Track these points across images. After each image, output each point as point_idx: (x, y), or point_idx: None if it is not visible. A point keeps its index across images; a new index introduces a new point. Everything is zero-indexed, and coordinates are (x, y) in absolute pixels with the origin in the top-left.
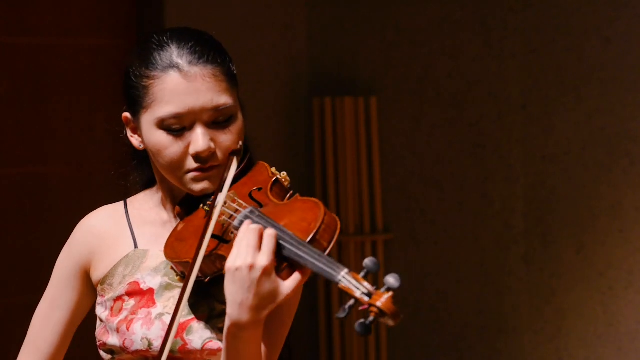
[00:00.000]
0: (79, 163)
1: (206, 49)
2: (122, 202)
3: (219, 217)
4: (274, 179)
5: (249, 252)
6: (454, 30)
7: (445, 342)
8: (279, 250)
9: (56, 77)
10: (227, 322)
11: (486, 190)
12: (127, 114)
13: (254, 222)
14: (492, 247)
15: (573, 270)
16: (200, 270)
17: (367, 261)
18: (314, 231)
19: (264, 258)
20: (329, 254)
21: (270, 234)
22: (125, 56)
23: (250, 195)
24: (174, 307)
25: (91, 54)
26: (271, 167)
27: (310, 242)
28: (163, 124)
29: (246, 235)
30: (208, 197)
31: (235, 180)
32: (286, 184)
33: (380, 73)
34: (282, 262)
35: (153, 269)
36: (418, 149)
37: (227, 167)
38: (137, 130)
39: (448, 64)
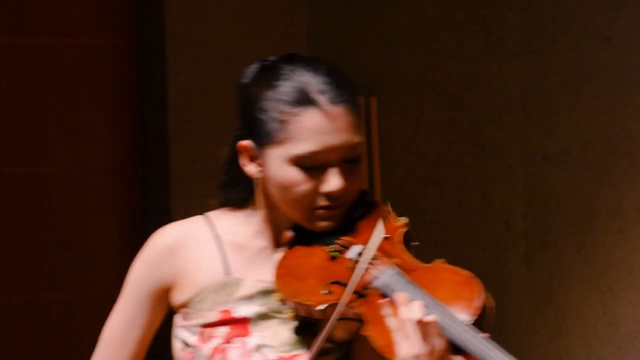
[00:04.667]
0: (79, 163)
1: (344, 86)
2: (201, 220)
3: (352, 266)
4: (405, 230)
5: (422, 339)
6: (454, 30)
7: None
8: (444, 332)
9: (56, 77)
10: None
11: (486, 190)
12: (247, 143)
13: (401, 288)
14: (492, 247)
15: (573, 270)
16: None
17: None
18: (478, 313)
19: (441, 341)
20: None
21: (431, 318)
22: (242, 77)
23: (385, 252)
24: (272, 337)
25: (91, 54)
26: (392, 213)
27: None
28: (297, 161)
29: (410, 323)
30: (327, 235)
31: (356, 221)
32: (413, 234)
33: (380, 73)
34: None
35: (247, 298)
36: (418, 149)
37: (377, 221)
38: (256, 159)
39: (448, 64)
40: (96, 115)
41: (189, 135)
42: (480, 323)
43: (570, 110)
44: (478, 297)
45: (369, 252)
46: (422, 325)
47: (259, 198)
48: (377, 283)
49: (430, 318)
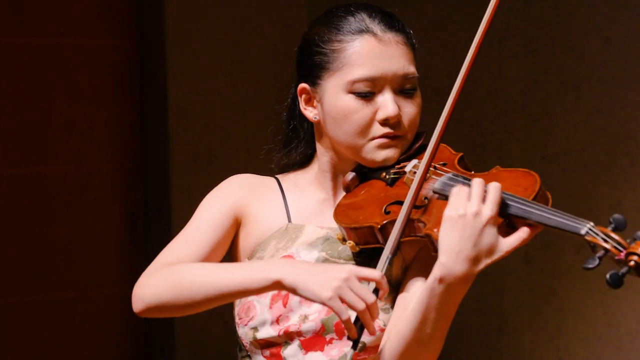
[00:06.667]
0: (79, 163)
1: (395, 18)
2: (270, 177)
3: (410, 182)
4: (460, 155)
5: (474, 200)
6: (454, 30)
7: (445, 342)
8: (505, 208)
9: (56, 77)
10: (436, 273)
11: None
12: (304, 85)
13: (462, 184)
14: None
15: (573, 270)
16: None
17: (616, 216)
18: (534, 194)
19: (489, 207)
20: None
21: (495, 186)
22: (307, 28)
23: (435, 169)
24: None
25: (91, 54)
26: (446, 146)
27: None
28: (353, 87)
29: (470, 185)
30: (385, 169)
31: (414, 156)
32: (469, 163)
33: None
34: (503, 220)
35: (309, 244)
36: None
37: (436, 140)
38: (312, 101)
39: (448, 64)
40: (96, 115)
41: (189, 135)
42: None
43: (570, 110)
44: (535, 183)
45: (424, 163)
46: (483, 192)
47: (320, 146)
48: (434, 186)
49: (489, 184)
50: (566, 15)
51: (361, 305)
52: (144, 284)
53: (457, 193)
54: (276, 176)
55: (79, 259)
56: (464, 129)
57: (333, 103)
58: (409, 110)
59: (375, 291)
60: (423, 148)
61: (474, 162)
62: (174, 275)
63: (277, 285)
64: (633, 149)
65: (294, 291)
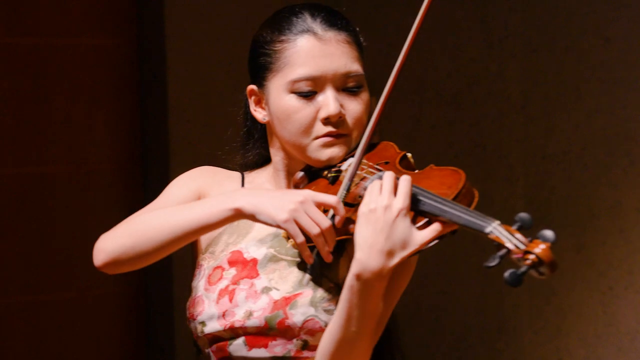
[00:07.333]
0: (79, 163)
1: (339, 16)
2: (238, 172)
3: (349, 182)
4: (402, 154)
5: (384, 194)
6: (454, 30)
7: (445, 342)
8: (417, 204)
9: (56, 77)
10: (353, 269)
11: (486, 190)
12: (252, 86)
13: (378, 179)
14: (492, 247)
15: (573, 270)
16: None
17: (522, 214)
18: (455, 194)
19: (400, 200)
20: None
21: (405, 178)
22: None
23: (376, 167)
24: (279, 280)
25: (91, 54)
26: (400, 148)
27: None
28: (294, 87)
29: (381, 180)
30: (329, 168)
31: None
32: (413, 163)
33: (380, 73)
34: (420, 217)
35: (259, 240)
36: (418, 149)
37: (368, 136)
38: (261, 102)
39: (448, 64)
40: (96, 115)
41: (189, 135)
42: (462, 203)
43: (570, 110)
44: (459, 181)
45: (354, 161)
46: (394, 185)
47: (272, 146)
48: (366, 185)
49: (400, 177)
50: (566, 15)
51: (315, 230)
52: (104, 238)
53: (370, 188)
54: (243, 172)
55: (79, 259)
56: (464, 129)
57: (277, 103)
58: (353, 108)
59: (332, 218)
60: (372, 146)
61: (474, 162)
62: (134, 223)
63: (238, 213)
64: (633, 149)
65: (253, 217)
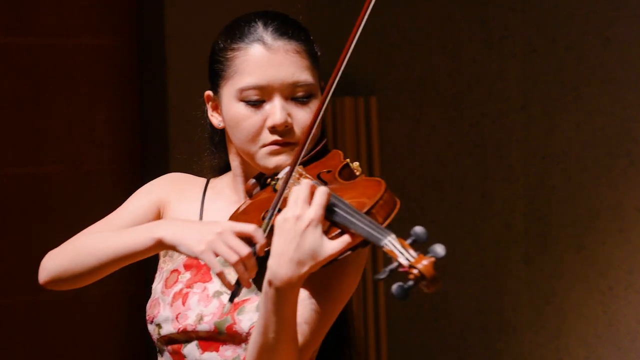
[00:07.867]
0: (79, 163)
1: (291, 26)
2: (204, 178)
3: (286, 191)
4: (344, 163)
5: (297, 204)
6: (454, 30)
7: (445, 342)
8: (331, 214)
9: (56, 77)
10: (266, 276)
11: (486, 190)
12: (208, 92)
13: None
14: (492, 247)
15: (573, 270)
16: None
17: (417, 229)
18: (371, 205)
19: (312, 210)
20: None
21: (322, 189)
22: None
23: (318, 176)
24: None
25: (91, 54)
26: (345, 157)
27: (366, 213)
28: (243, 95)
29: (297, 190)
30: (275, 177)
31: (308, 163)
32: (357, 172)
33: (380, 73)
34: (334, 228)
35: None
36: (418, 149)
37: (301, 145)
38: (217, 108)
39: (448, 64)
40: (96, 115)
41: (189, 135)
42: (377, 216)
43: (570, 110)
44: (377, 193)
45: (291, 168)
46: (310, 195)
47: (230, 152)
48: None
49: (316, 187)
50: (566, 15)
51: (234, 258)
52: (48, 257)
53: (290, 199)
54: (209, 178)
55: None
56: (464, 129)
57: (227, 110)
58: (302, 117)
59: (253, 246)
60: (322, 154)
61: (474, 162)
62: (72, 245)
63: (159, 244)
64: (633, 149)
65: (174, 248)
